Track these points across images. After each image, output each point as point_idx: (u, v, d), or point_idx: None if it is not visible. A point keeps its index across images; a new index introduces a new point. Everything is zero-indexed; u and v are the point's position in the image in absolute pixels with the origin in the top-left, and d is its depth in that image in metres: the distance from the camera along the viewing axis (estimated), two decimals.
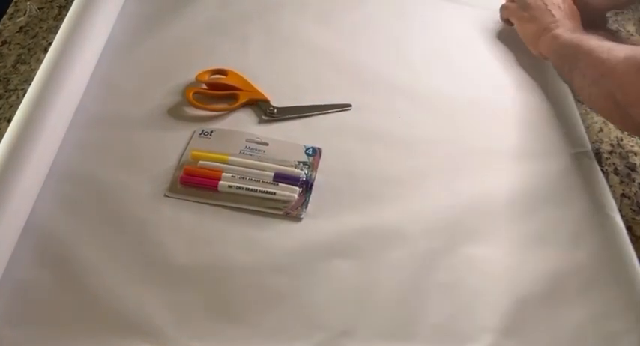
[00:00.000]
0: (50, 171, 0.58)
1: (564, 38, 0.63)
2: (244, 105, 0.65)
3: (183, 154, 0.60)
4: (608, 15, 0.78)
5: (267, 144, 0.61)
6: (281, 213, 0.56)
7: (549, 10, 0.67)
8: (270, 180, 0.58)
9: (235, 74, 0.67)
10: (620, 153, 0.64)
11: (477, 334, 0.50)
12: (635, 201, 0.60)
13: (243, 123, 0.64)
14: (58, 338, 0.48)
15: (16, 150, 0.55)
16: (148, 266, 0.52)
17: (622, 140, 0.65)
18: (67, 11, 0.68)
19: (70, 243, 0.53)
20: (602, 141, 0.65)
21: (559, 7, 0.67)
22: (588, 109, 0.68)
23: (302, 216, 0.56)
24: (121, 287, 0.51)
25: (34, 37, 0.73)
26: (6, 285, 0.50)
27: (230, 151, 0.60)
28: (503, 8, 0.74)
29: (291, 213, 0.56)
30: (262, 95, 0.65)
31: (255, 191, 0.57)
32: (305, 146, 0.62)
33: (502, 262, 0.54)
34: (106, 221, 0.55)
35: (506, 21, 0.74)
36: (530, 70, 0.71)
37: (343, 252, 0.54)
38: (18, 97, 0.65)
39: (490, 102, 0.67)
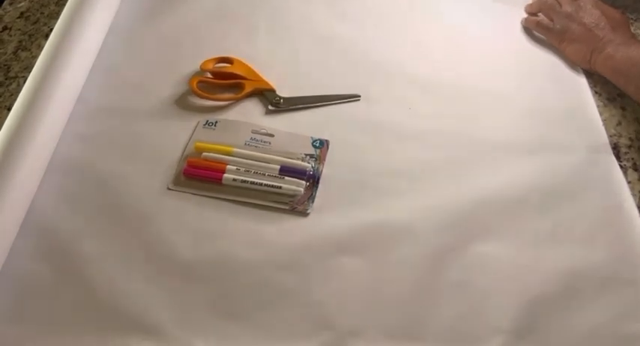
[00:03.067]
0: (50, 162, 0.57)
1: (620, 56, 0.62)
2: (250, 94, 0.63)
3: (187, 146, 0.59)
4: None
5: (273, 135, 0.60)
6: (287, 207, 0.55)
7: (591, 31, 0.65)
8: (276, 173, 0.56)
9: (241, 63, 0.65)
10: (639, 148, 0.61)
11: (488, 335, 0.48)
12: None
13: (248, 113, 0.62)
14: (58, 335, 0.47)
15: (16, 140, 0.54)
16: (149, 262, 0.51)
17: None
18: None
19: (70, 237, 0.52)
20: (620, 135, 0.62)
21: (599, 24, 0.66)
22: (606, 101, 0.65)
23: (309, 211, 0.54)
24: (122, 283, 0.50)
25: (35, 22, 0.71)
26: (5, 280, 0.49)
27: (235, 143, 0.59)
28: (540, 26, 0.71)
29: (297, 207, 0.55)
30: (268, 84, 0.64)
31: (261, 184, 0.55)
32: (312, 138, 0.60)
33: (515, 260, 0.53)
34: (107, 214, 0.54)
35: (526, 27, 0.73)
36: (545, 61, 0.69)
37: (351, 248, 0.52)
38: (19, 85, 0.63)
39: (504, 94, 0.65)
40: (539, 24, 0.70)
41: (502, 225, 0.55)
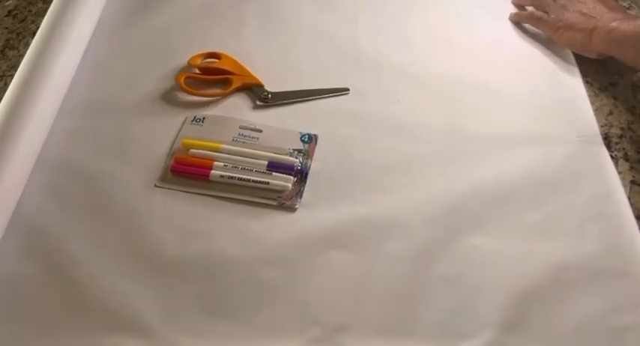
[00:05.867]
0: (38, 160, 0.56)
1: (624, 29, 0.60)
2: (238, 90, 0.63)
3: (174, 142, 0.58)
4: None
5: (261, 131, 0.59)
6: (275, 203, 0.54)
7: (586, 14, 0.64)
8: (264, 169, 0.56)
9: (229, 58, 0.65)
10: (630, 138, 0.61)
11: (478, 329, 0.48)
12: None
13: (236, 109, 0.62)
14: (44, 335, 0.47)
15: (3, 139, 0.53)
16: (137, 259, 0.51)
17: (633, 124, 0.62)
18: None
19: (57, 235, 0.52)
20: (611, 125, 0.62)
21: (595, 9, 0.64)
22: (597, 91, 0.65)
23: (297, 207, 0.54)
24: (109, 281, 0.50)
25: (22, 20, 0.71)
26: None
27: (223, 139, 0.58)
28: (533, 18, 0.69)
29: (285, 203, 0.54)
30: (256, 79, 0.63)
31: (249, 180, 0.55)
32: (300, 133, 0.59)
33: (505, 253, 0.52)
34: (94, 212, 0.54)
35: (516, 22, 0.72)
36: (536, 51, 0.68)
37: (339, 243, 0.52)
38: (5, 84, 0.63)
39: (494, 86, 0.64)
40: (532, 16, 0.69)
41: (492, 218, 0.54)
